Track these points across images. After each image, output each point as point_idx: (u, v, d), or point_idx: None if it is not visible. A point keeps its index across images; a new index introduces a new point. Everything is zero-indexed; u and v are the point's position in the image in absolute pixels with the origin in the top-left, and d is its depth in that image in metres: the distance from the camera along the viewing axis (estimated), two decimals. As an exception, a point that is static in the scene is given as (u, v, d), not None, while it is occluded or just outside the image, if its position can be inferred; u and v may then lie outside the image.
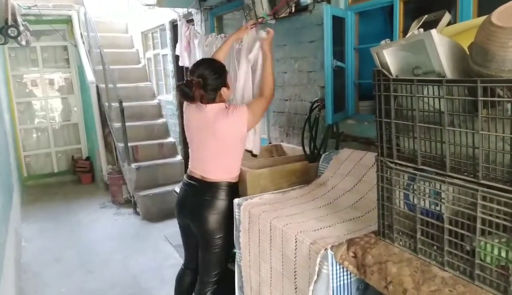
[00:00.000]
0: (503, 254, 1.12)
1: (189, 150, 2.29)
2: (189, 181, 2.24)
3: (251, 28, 2.51)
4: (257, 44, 2.46)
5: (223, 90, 2.12)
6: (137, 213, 4.97)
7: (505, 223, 1.09)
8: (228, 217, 2.15)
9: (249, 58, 2.49)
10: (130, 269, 3.54)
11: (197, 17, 4.60)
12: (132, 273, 3.48)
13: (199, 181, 2.19)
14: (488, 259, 1.16)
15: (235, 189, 2.24)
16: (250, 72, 2.56)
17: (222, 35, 3.25)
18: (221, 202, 2.14)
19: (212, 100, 2.10)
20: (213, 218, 2.13)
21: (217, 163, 2.17)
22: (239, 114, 2.09)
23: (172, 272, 3.44)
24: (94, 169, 6.63)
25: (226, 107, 2.12)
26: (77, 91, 7.00)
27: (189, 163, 2.28)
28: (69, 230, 4.61)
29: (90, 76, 5.90)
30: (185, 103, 2.23)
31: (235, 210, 2.13)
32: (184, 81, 2.06)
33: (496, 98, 1.07)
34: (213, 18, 4.44)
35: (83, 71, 6.17)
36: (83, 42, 6.30)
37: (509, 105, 1.06)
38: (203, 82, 2.04)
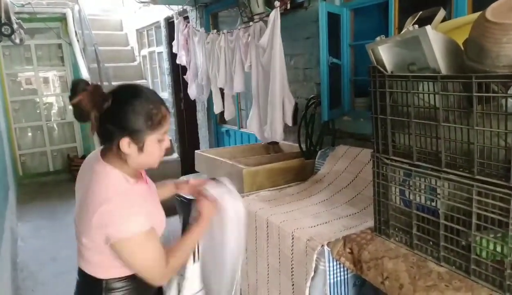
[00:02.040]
0: (499, 248, 1.12)
1: None
2: None
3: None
4: (267, 30, 2.51)
5: (125, 144, 1.13)
6: (133, 211, 4.95)
7: (500, 218, 1.09)
8: None
9: (260, 43, 2.60)
10: (127, 268, 3.54)
11: (192, 14, 4.58)
12: (129, 271, 3.47)
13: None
14: (483, 254, 1.17)
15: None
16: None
17: (225, 31, 3.25)
18: None
19: (105, 146, 1.20)
20: None
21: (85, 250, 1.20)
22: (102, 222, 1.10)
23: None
24: (90, 168, 6.59)
25: (115, 192, 1.14)
26: (72, 89, 6.94)
27: None
28: (65, 229, 4.58)
29: (85, 74, 5.85)
30: None
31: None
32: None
33: (490, 94, 1.08)
34: (208, 15, 4.42)
35: (77, 69, 6.12)
36: (78, 40, 6.24)
37: (503, 101, 1.07)
38: (102, 99, 1.11)
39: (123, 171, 1.18)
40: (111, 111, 1.12)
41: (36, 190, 6.19)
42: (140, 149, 1.15)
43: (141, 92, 1.16)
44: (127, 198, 1.14)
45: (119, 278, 1.20)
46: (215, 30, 3.53)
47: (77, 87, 1.11)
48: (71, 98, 1.11)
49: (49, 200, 5.65)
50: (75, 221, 1.21)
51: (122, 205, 1.12)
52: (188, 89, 4.14)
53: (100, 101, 1.11)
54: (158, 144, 1.19)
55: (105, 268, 1.19)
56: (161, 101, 1.20)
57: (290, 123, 2.82)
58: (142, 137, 1.14)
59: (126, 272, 1.20)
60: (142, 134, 1.14)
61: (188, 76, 4.07)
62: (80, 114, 1.12)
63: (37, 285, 3.30)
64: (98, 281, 1.19)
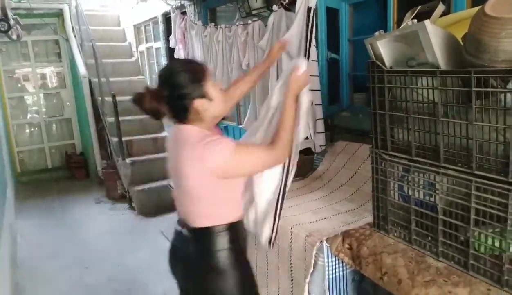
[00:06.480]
0: (497, 243, 1.13)
1: None
2: (177, 226, 1.55)
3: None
4: (267, 33, 2.41)
5: (199, 104, 1.35)
6: (132, 208, 4.95)
7: (498, 213, 1.10)
8: (235, 275, 1.41)
9: (259, 45, 2.54)
10: (127, 264, 3.54)
11: (190, 9, 4.56)
12: (128, 267, 3.47)
13: (184, 226, 1.49)
14: (482, 249, 1.17)
15: (237, 232, 1.46)
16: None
17: (223, 25, 3.22)
18: (217, 255, 1.41)
19: (182, 120, 1.39)
20: (210, 279, 1.42)
21: (194, 207, 1.44)
22: (208, 155, 1.30)
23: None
24: (88, 164, 6.59)
25: (198, 138, 1.34)
26: (69, 85, 6.92)
27: None
28: (64, 225, 4.59)
29: (82, 70, 5.83)
30: None
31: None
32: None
33: (489, 89, 1.08)
34: (206, 10, 4.39)
35: (75, 65, 6.10)
36: (75, 36, 6.21)
37: (502, 96, 1.07)
38: (159, 93, 1.36)
39: (200, 127, 1.39)
40: (171, 93, 1.35)
41: (34, 187, 6.18)
42: (210, 99, 1.37)
43: (175, 64, 1.44)
44: (209, 137, 1.33)
45: (221, 224, 1.41)
46: (212, 24, 3.50)
47: (137, 96, 1.38)
48: (140, 106, 1.38)
49: (48, 197, 5.64)
50: (178, 188, 1.45)
51: (208, 141, 1.31)
52: None
53: (158, 95, 1.36)
54: (216, 87, 1.40)
55: (213, 216, 1.41)
56: (190, 59, 1.50)
57: None
58: (203, 89, 1.35)
59: (228, 219, 1.43)
60: (202, 87, 1.35)
61: None
62: (154, 114, 1.40)
63: (36, 282, 3.30)
64: (211, 228, 1.40)
